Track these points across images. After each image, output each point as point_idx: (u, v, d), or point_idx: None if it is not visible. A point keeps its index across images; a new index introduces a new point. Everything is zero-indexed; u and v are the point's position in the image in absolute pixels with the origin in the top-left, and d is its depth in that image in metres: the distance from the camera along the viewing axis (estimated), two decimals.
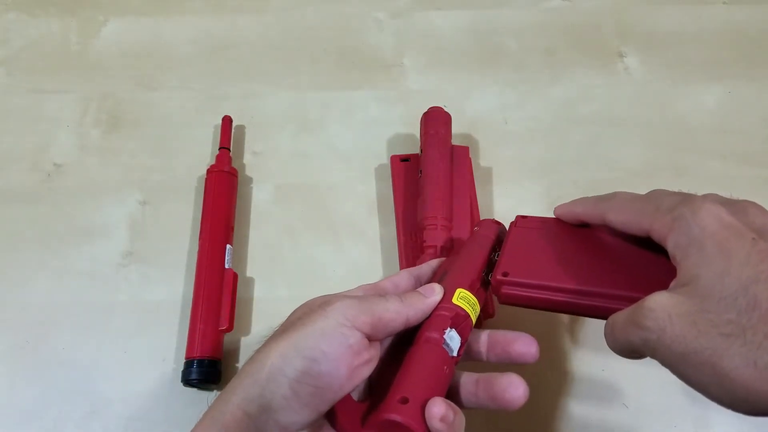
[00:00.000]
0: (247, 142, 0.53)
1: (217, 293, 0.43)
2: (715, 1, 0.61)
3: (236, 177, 0.50)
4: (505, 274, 0.33)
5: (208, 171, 0.49)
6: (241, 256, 0.48)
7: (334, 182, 0.51)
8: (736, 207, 0.27)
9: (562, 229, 0.36)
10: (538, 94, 0.56)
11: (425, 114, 0.49)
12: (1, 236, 0.48)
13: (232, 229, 0.47)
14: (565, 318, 0.45)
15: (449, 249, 0.43)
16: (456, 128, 0.50)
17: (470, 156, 0.49)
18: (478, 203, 0.49)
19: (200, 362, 0.41)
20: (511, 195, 0.50)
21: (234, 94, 0.55)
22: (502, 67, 0.57)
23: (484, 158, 0.52)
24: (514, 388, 0.31)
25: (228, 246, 0.46)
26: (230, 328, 0.43)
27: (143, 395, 0.42)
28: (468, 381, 0.32)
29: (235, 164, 0.50)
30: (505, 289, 0.33)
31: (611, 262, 0.32)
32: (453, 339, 0.30)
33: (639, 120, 0.54)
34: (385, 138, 0.53)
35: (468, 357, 0.34)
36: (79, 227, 0.48)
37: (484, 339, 0.33)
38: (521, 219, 0.37)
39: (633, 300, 0.27)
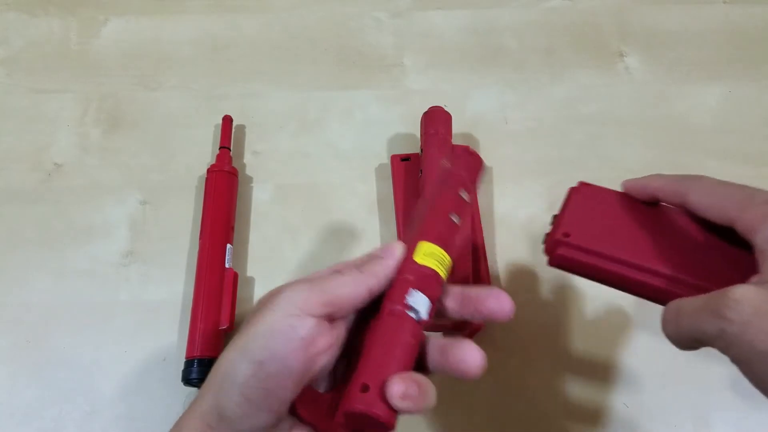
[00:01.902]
0: (247, 142, 0.53)
1: (218, 293, 0.43)
2: (715, 0, 0.61)
3: (236, 177, 0.50)
4: (566, 235, 0.31)
5: (209, 171, 0.49)
6: (241, 256, 0.48)
7: (334, 182, 0.51)
8: None
9: (629, 203, 0.33)
10: (539, 94, 0.56)
11: (425, 113, 0.49)
12: (2, 236, 0.48)
13: (233, 228, 0.47)
14: (565, 318, 0.45)
15: None
16: (456, 128, 0.50)
17: None
18: (479, 203, 0.48)
19: (201, 362, 0.41)
20: (512, 195, 0.50)
21: (234, 93, 0.55)
22: (503, 67, 0.57)
23: (484, 158, 0.52)
24: (471, 358, 0.28)
25: (228, 245, 0.46)
26: (231, 327, 0.43)
27: (143, 395, 0.42)
28: (432, 347, 0.30)
29: (235, 164, 0.50)
30: (562, 251, 0.31)
31: (681, 245, 0.30)
32: (419, 302, 0.28)
33: (639, 119, 0.54)
34: (386, 137, 0.53)
35: (440, 315, 0.31)
36: (79, 227, 0.48)
37: (456, 295, 0.31)
38: (584, 185, 0.35)
39: (701, 290, 0.26)
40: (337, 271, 0.29)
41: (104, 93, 0.55)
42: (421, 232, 0.30)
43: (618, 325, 0.45)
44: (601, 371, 0.43)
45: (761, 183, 0.50)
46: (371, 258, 0.29)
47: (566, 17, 0.60)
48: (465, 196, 0.32)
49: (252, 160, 0.52)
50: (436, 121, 0.48)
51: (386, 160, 0.52)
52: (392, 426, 0.25)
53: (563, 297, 0.46)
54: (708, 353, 0.44)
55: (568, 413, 0.42)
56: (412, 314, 0.27)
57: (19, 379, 0.43)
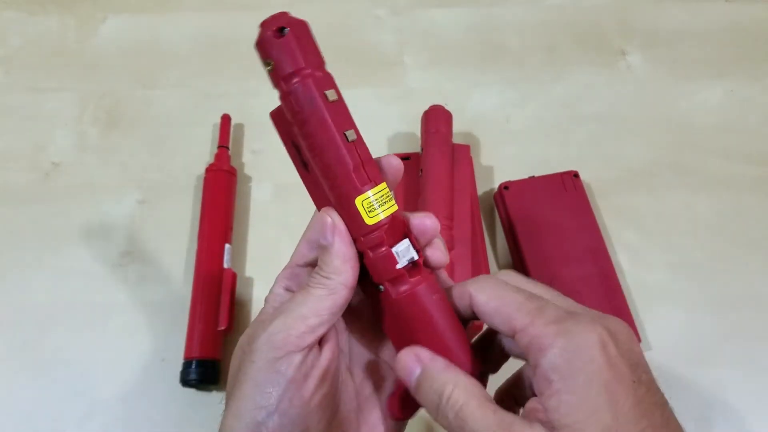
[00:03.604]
0: (246, 141, 0.53)
1: (216, 293, 0.43)
2: None
3: (235, 176, 0.49)
4: (506, 188, 0.46)
5: (207, 170, 0.48)
6: (240, 256, 0.47)
7: None
8: (612, 331, 0.23)
9: (576, 210, 0.45)
10: (540, 92, 0.55)
11: (426, 112, 0.49)
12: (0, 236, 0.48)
13: (231, 228, 0.47)
14: None
15: (450, 249, 0.43)
16: (457, 127, 0.49)
17: (471, 155, 0.49)
18: (479, 202, 0.48)
19: (199, 362, 0.41)
20: None
21: (233, 92, 0.55)
22: (504, 65, 0.57)
23: (485, 157, 0.52)
24: (394, 162, 0.28)
25: (227, 245, 0.45)
26: (229, 328, 0.42)
27: (142, 395, 0.42)
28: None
29: (234, 163, 0.50)
30: (495, 194, 0.47)
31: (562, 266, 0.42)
32: (408, 253, 0.25)
33: (641, 118, 0.54)
34: (386, 136, 0.53)
35: None
36: (77, 227, 0.48)
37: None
38: (576, 178, 0.47)
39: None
40: (302, 289, 0.26)
41: (102, 91, 0.55)
42: (347, 189, 0.25)
43: None
44: None
45: (763, 182, 0.50)
46: (321, 254, 0.26)
47: (568, 15, 0.60)
48: (333, 95, 0.26)
49: (251, 159, 0.52)
50: (436, 119, 0.48)
51: None
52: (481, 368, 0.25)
53: None
54: (709, 357, 0.44)
55: None
56: (406, 262, 0.25)
57: (17, 379, 0.42)
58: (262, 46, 0.25)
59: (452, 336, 0.25)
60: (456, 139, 0.49)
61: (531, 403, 0.23)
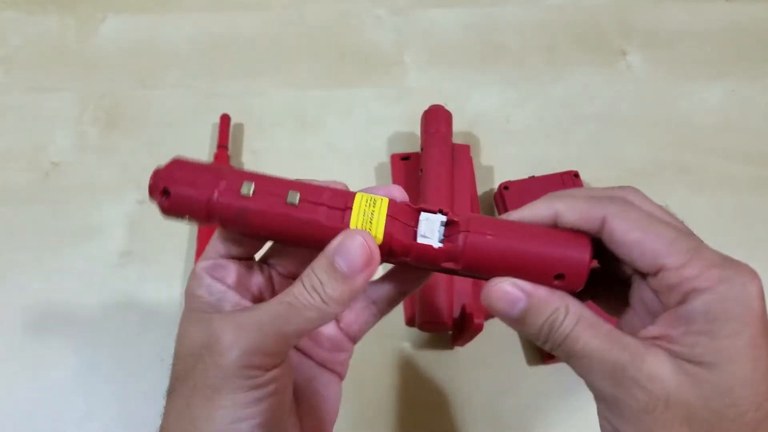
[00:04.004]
0: (245, 141, 0.53)
1: None
2: None
3: None
4: (506, 188, 0.46)
5: None
6: None
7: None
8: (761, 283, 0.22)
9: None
10: (540, 92, 0.55)
11: (426, 112, 0.49)
12: None
13: None
14: None
15: None
16: (457, 126, 0.49)
17: (471, 155, 0.49)
18: (479, 202, 0.48)
19: None
20: None
21: (233, 91, 0.55)
22: (504, 65, 0.57)
23: (485, 157, 0.52)
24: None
25: None
26: None
27: (141, 396, 0.42)
28: None
29: (233, 162, 0.50)
30: (496, 196, 0.47)
31: None
32: (431, 227, 0.24)
33: (641, 118, 0.54)
34: (386, 136, 0.53)
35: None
36: (76, 227, 0.48)
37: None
38: (576, 178, 0.47)
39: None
40: (285, 301, 0.23)
41: (102, 91, 0.55)
42: (334, 234, 0.23)
43: None
44: None
45: (763, 182, 0.50)
46: (331, 275, 0.23)
47: (568, 15, 0.60)
48: (248, 187, 0.24)
49: (251, 159, 0.52)
50: (436, 119, 0.48)
51: (386, 159, 0.51)
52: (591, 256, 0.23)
53: None
54: None
55: (567, 412, 0.42)
56: (440, 235, 0.24)
57: (17, 379, 0.42)
58: (165, 212, 0.25)
59: (537, 248, 0.23)
60: (456, 139, 0.49)
61: (650, 331, 0.22)
